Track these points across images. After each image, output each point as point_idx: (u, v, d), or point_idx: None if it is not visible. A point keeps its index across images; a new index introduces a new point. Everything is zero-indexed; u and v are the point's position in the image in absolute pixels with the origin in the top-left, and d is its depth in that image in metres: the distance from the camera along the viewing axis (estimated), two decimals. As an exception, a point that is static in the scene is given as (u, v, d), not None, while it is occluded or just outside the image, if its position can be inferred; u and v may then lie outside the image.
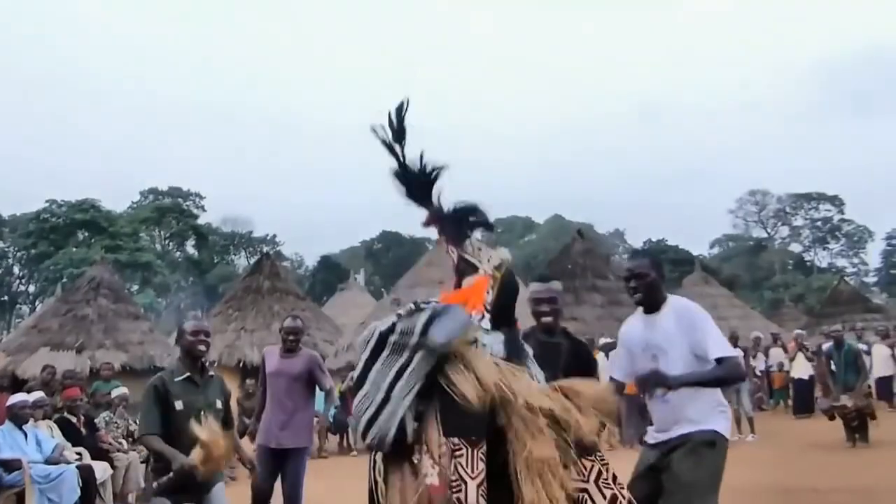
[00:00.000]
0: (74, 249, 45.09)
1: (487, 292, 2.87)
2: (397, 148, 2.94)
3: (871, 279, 60.89)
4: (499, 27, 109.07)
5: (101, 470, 7.79)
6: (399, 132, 2.93)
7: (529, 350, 2.95)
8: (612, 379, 3.77)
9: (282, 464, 5.62)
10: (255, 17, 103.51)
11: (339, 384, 14.69)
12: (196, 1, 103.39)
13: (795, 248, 62.92)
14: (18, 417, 7.35)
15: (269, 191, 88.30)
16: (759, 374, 15.77)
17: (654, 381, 3.33)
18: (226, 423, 4.47)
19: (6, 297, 52.73)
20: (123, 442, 8.85)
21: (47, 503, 6.97)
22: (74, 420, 8.38)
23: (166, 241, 57.82)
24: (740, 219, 63.96)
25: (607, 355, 12.05)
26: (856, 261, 62.26)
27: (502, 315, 2.90)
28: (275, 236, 60.36)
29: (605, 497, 2.62)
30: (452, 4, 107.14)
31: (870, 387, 11.50)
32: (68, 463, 7.39)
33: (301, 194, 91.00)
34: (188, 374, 4.34)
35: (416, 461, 2.52)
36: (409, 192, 2.97)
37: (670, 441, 3.53)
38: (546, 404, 2.58)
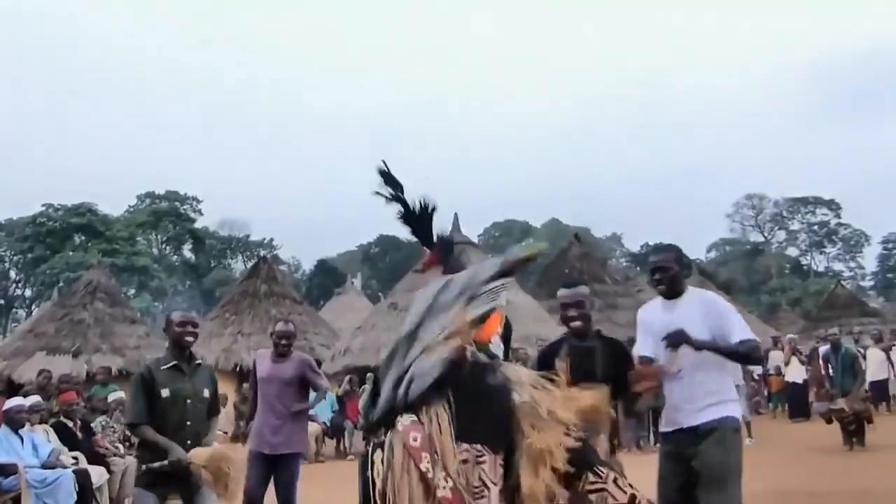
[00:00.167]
0: (71, 253, 45.02)
1: (500, 324, 3.24)
2: (400, 199, 3.54)
3: (867, 283, 61.12)
4: (498, 28, 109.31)
5: (98, 474, 7.77)
6: (396, 186, 3.54)
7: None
8: (641, 358, 3.89)
9: (274, 469, 5.57)
10: (252, 19, 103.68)
11: (335, 388, 14.68)
12: (195, 2, 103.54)
13: (792, 252, 63.09)
14: (15, 422, 7.33)
15: (267, 194, 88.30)
16: (756, 377, 15.78)
17: (679, 339, 3.59)
18: (210, 413, 4.49)
19: (2, 302, 52.58)
20: (120, 446, 8.83)
21: (43, 508, 6.96)
22: (71, 424, 8.36)
23: (163, 245, 57.72)
24: (737, 223, 64.14)
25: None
26: (852, 265, 62.47)
27: (504, 344, 3.29)
28: (272, 240, 60.32)
29: (625, 493, 2.74)
30: (450, 5, 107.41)
31: (867, 391, 11.51)
32: (65, 467, 7.38)
33: (298, 198, 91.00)
34: (175, 362, 4.34)
35: (425, 470, 2.54)
36: (415, 232, 3.60)
37: (698, 428, 3.69)
38: (565, 416, 2.74)
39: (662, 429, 3.95)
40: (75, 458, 7.84)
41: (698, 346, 3.60)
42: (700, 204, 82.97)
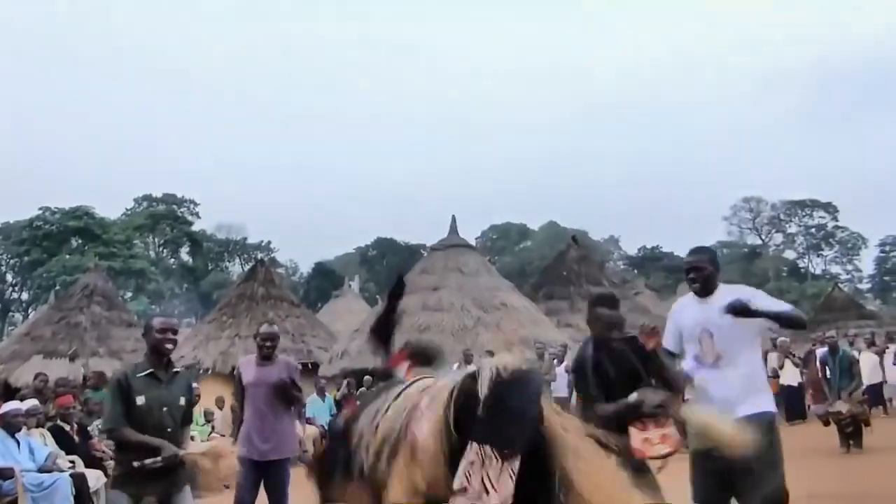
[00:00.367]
0: (68, 257, 45.02)
1: None
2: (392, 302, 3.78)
3: (864, 286, 61.25)
4: (497, 29, 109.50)
5: (95, 478, 7.75)
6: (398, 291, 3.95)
7: None
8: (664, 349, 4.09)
9: (265, 475, 5.52)
10: (252, 19, 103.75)
11: (333, 391, 14.68)
12: (195, 2, 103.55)
13: (789, 254, 63.21)
14: (11, 426, 7.32)
15: (264, 197, 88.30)
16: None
17: (738, 306, 3.83)
18: (185, 421, 4.42)
19: (-1, 305, 52.54)
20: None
21: (40, 512, 6.94)
22: (68, 428, 8.35)
23: (160, 248, 57.73)
24: (734, 226, 64.25)
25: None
26: (850, 267, 62.63)
27: None
28: (269, 243, 60.30)
29: None
30: (443, 5, 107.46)
31: (865, 393, 11.53)
32: (61, 471, 7.37)
33: (296, 200, 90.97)
34: (151, 370, 4.26)
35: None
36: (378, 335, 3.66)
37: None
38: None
39: None
40: (72, 461, 7.82)
41: (754, 315, 3.84)
42: (698, 207, 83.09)
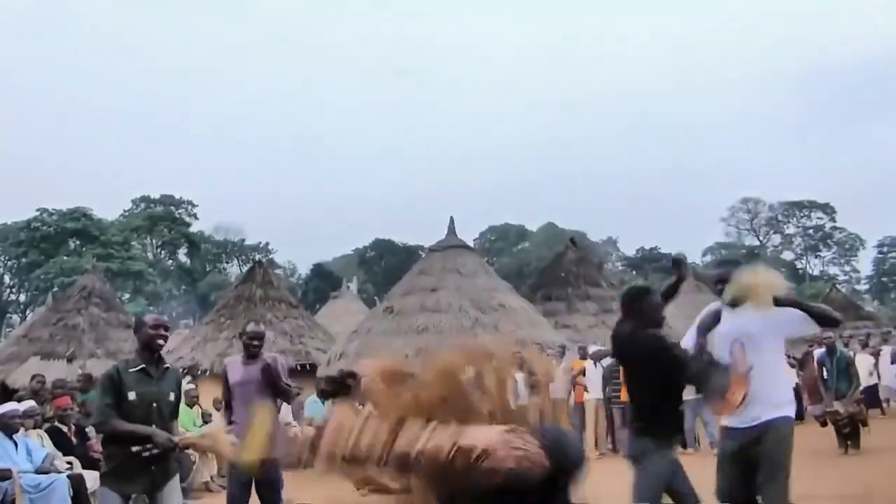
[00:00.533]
0: (65, 258, 44.98)
1: None
2: None
3: (862, 287, 61.32)
4: (495, 29, 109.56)
5: (92, 479, 7.70)
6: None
7: None
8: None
9: (255, 476, 5.45)
10: (252, 18, 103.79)
11: (331, 392, 14.65)
12: (194, 3, 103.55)
13: (787, 255, 63.31)
14: (9, 427, 7.31)
15: (262, 198, 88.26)
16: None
17: (785, 301, 4.07)
18: (173, 415, 4.48)
19: (-4, 306, 52.46)
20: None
21: (38, 513, 6.93)
22: (65, 429, 8.35)
23: (158, 250, 57.67)
24: (732, 227, 64.43)
25: (596, 363, 12.07)
26: (847, 268, 62.80)
27: None
28: (267, 244, 60.32)
29: None
30: (443, 4, 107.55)
31: (862, 394, 11.53)
32: (59, 472, 7.37)
33: (294, 202, 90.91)
34: (143, 365, 4.32)
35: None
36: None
37: (758, 427, 4.03)
38: None
39: (727, 424, 4.24)
40: (70, 462, 7.82)
41: (786, 304, 4.08)
42: (696, 208, 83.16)
